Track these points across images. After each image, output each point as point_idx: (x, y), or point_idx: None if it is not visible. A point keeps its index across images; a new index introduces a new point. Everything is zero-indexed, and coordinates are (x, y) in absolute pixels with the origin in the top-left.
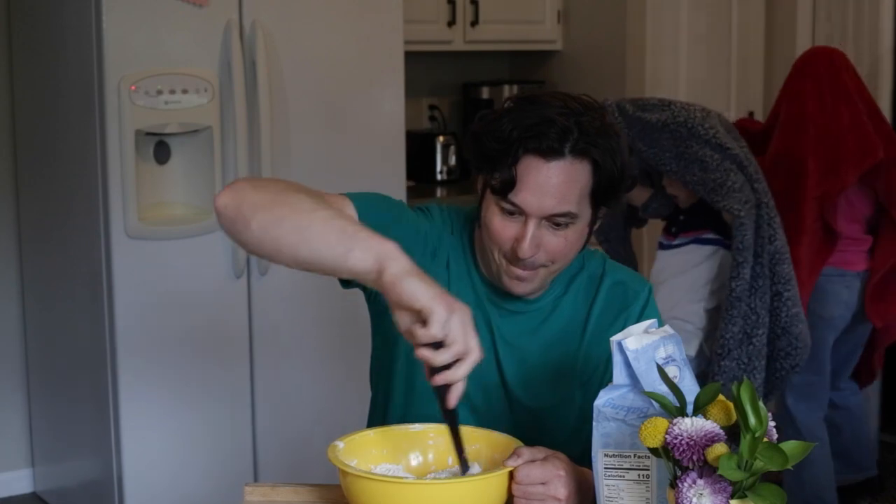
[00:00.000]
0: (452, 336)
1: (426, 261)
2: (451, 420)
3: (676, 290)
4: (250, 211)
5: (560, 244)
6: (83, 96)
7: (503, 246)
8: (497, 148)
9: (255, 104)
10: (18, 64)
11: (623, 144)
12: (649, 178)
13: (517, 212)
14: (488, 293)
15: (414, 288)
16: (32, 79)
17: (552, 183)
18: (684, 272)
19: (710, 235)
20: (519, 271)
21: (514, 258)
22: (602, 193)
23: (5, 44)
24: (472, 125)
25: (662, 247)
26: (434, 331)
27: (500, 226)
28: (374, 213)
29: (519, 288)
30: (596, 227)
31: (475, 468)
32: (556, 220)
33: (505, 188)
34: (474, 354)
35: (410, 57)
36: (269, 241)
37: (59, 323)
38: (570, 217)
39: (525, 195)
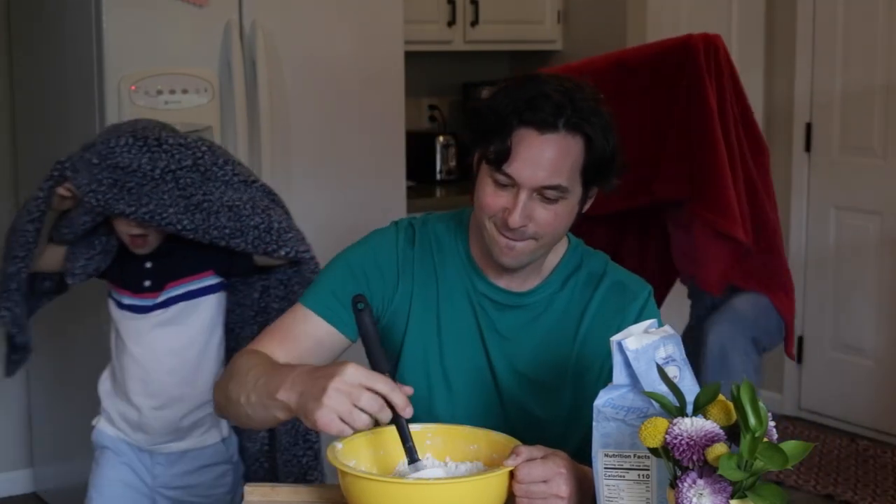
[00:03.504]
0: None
1: (387, 294)
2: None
3: None
4: (221, 411)
5: (549, 218)
6: (83, 96)
7: (495, 216)
8: (493, 120)
9: (255, 104)
10: (18, 64)
11: (614, 125)
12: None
13: (510, 184)
14: (483, 289)
15: (306, 418)
16: (32, 79)
17: (545, 156)
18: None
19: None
20: (508, 241)
21: (504, 227)
22: (593, 171)
23: (5, 44)
24: (470, 101)
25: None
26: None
27: (492, 197)
28: (331, 298)
29: (508, 258)
30: (586, 206)
31: (431, 463)
32: (546, 194)
33: (499, 159)
34: (360, 396)
35: (410, 57)
36: (242, 424)
37: (59, 322)
38: (561, 191)
39: (518, 166)
